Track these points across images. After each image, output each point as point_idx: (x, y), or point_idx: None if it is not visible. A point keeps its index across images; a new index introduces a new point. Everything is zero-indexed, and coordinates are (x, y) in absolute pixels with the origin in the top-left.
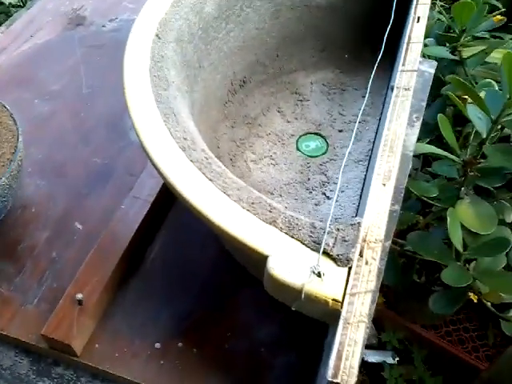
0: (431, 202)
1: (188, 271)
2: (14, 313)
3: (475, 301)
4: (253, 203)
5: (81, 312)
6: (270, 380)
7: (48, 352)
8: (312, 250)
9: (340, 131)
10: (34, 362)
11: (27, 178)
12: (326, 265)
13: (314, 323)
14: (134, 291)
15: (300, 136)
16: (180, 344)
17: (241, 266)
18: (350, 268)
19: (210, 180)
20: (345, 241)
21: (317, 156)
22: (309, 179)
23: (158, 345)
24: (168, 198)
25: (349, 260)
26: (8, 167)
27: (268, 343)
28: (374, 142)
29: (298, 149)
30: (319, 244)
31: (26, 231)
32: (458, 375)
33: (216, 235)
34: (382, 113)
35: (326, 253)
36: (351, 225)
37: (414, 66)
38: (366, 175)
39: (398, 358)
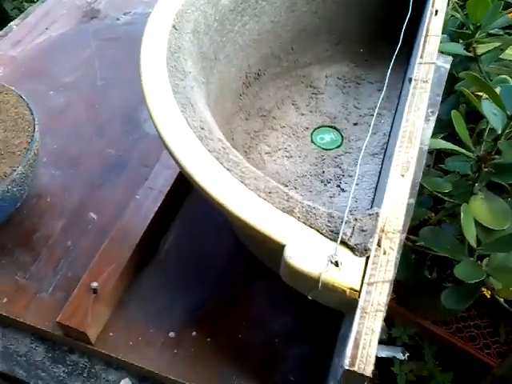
0: (444, 197)
1: (202, 261)
2: (29, 300)
3: (489, 297)
4: (270, 192)
5: (96, 300)
6: (283, 371)
7: (63, 339)
8: (329, 239)
9: (355, 124)
10: (49, 349)
11: (42, 168)
12: (344, 254)
13: (328, 315)
14: (149, 280)
15: (314, 129)
16: (194, 333)
17: (255, 257)
18: (367, 258)
19: (228, 169)
20: (363, 230)
21: (331, 149)
22: (323, 172)
23: (172, 334)
24: (182, 189)
25: (367, 250)
26: (25, 156)
27: (282, 334)
28: (389, 135)
29: (312, 141)
30: (337, 233)
31: (42, 220)
32: (468, 372)
33: (230, 226)
34: (397, 106)
35: (343, 242)
36: (369, 215)
37: (432, 58)
38: (381, 168)
39: (408, 354)
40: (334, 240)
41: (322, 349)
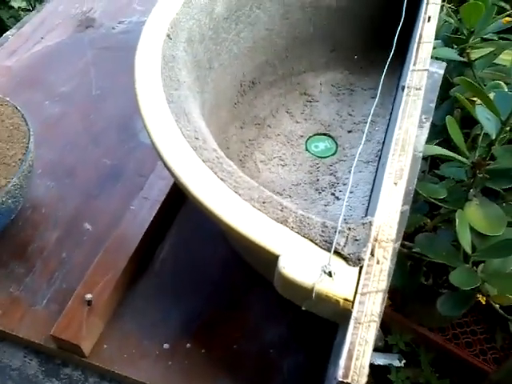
0: (439, 203)
1: (198, 271)
2: (23, 313)
3: (484, 303)
4: (264, 202)
5: (90, 312)
6: (278, 381)
7: (57, 352)
8: (323, 249)
9: (349, 132)
10: (42, 362)
11: (37, 179)
12: (337, 264)
13: (323, 324)
14: (144, 291)
15: (309, 137)
16: (188, 345)
17: (250, 267)
18: (361, 267)
19: (222, 180)
20: (356, 240)
21: (326, 157)
22: (318, 180)
23: (166, 345)
24: (177, 199)
25: (360, 259)
26: (19, 167)
27: (277, 344)
28: (383, 142)
29: (307, 149)
30: (330, 243)
31: (37, 232)
32: (465, 378)
33: (226, 235)
34: (391, 113)
35: (337, 252)
36: (363, 224)
37: (424, 65)
38: (375, 176)
39: (404, 361)
40: (328, 250)
41: (317, 358)
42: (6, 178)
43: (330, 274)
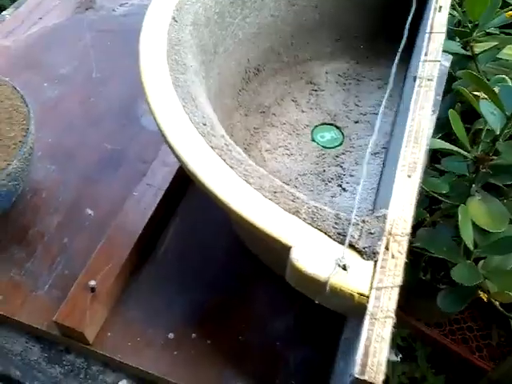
0: (441, 198)
1: (202, 261)
2: (24, 298)
3: (485, 300)
4: (275, 192)
5: (93, 299)
6: (284, 374)
7: (59, 339)
8: (337, 241)
9: (356, 122)
10: (44, 348)
11: (37, 162)
12: (352, 258)
13: (330, 317)
14: (147, 279)
15: (315, 126)
16: (194, 335)
17: (255, 257)
18: (375, 262)
19: (231, 167)
20: (370, 233)
21: (332, 147)
22: (324, 171)
23: (171, 335)
24: (181, 186)
25: (375, 253)
26: (20, 149)
27: (283, 336)
28: (390, 134)
29: (313, 139)
30: (344, 236)
31: (37, 216)
32: (461, 374)
33: (232, 225)
34: (398, 105)
35: (351, 245)
36: (377, 217)
37: (436, 56)
38: (382, 168)
39: (400, 355)
40: (341, 243)
41: (324, 352)
42: (6, 161)
43: (344, 268)
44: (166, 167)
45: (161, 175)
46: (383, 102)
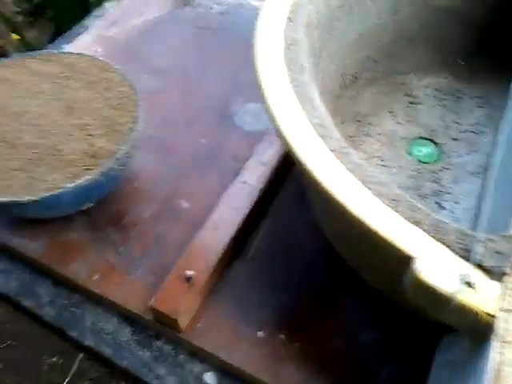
0: None
1: (291, 264)
2: (119, 280)
3: None
4: (395, 200)
5: (189, 289)
6: None
7: (151, 324)
8: (461, 257)
9: (454, 140)
10: (136, 332)
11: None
12: (478, 275)
13: (421, 337)
14: (238, 276)
15: (411, 140)
16: (282, 336)
17: (348, 267)
18: (502, 282)
19: (350, 171)
20: (497, 253)
21: (429, 162)
22: (420, 186)
23: (260, 333)
24: (275, 186)
25: (503, 273)
26: (129, 135)
27: (373, 350)
28: (491, 154)
29: (409, 153)
30: (468, 252)
31: (132, 204)
32: None
33: (327, 230)
34: (500, 125)
35: (477, 263)
36: (503, 236)
37: None
38: (482, 188)
39: None
40: (467, 259)
41: (415, 371)
42: (117, 145)
43: (470, 285)
44: (262, 166)
45: (256, 174)
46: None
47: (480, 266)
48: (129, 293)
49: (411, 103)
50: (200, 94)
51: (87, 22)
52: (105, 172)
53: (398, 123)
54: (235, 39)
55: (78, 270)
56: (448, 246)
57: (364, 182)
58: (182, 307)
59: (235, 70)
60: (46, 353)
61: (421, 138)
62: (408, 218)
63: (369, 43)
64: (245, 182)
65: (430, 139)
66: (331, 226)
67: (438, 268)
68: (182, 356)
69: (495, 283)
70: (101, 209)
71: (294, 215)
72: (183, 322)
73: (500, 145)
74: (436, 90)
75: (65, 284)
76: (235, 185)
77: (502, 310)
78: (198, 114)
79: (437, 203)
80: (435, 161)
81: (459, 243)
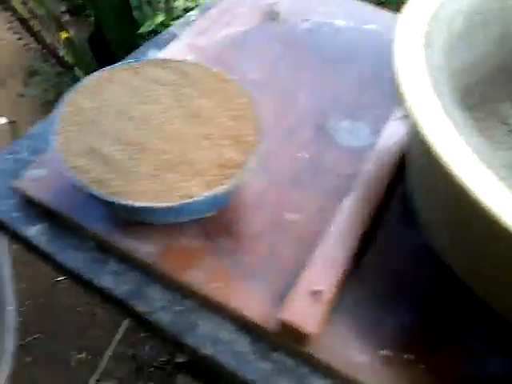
0: None
1: (407, 283)
2: (238, 289)
3: None
4: None
5: (316, 303)
6: None
7: (272, 335)
8: None
9: None
10: (254, 342)
11: None
12: None
13: None
14: (356, 291)
15: None
16: (406, 356)
17: (467, 289)
18: None
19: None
20: None
21: None
22: None
23: (384, 352)
24: (387, 199)
25: None
26: (257, 147)
27: (503, 379)
28: None
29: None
30: None
31: (241, 214)
32: None
33: (453, 252)
34: None
35: None
36: None
37: None
38: None
39: None
40: None
41: None
42: (245, 155)
43: None
44: (375, 180)
45: (367, 188)
46: None
47: None
48: (248, 302)
49: (510, 131)
50: (295, 108)
51: (173, 29)
52: (237, 183)
53: (498, 150)
54: (320, 56)
55: (195, 276)
56: None
57: None
58: (311, 321)
59: (326, 86)
60: (74, 348)
61: None
62: None
63: (477, 69)
64: (356, 197)
65: None
66: (464, 252)
67: None
68: (304, 369)
69: None
70: (215, 218)
71: (402, 235)
72: (311, 335)
73: None
74: None
75: (178, 290)
76: (347, 199)
77: None
78: (294, 129)
79: None
80: None
81: None
